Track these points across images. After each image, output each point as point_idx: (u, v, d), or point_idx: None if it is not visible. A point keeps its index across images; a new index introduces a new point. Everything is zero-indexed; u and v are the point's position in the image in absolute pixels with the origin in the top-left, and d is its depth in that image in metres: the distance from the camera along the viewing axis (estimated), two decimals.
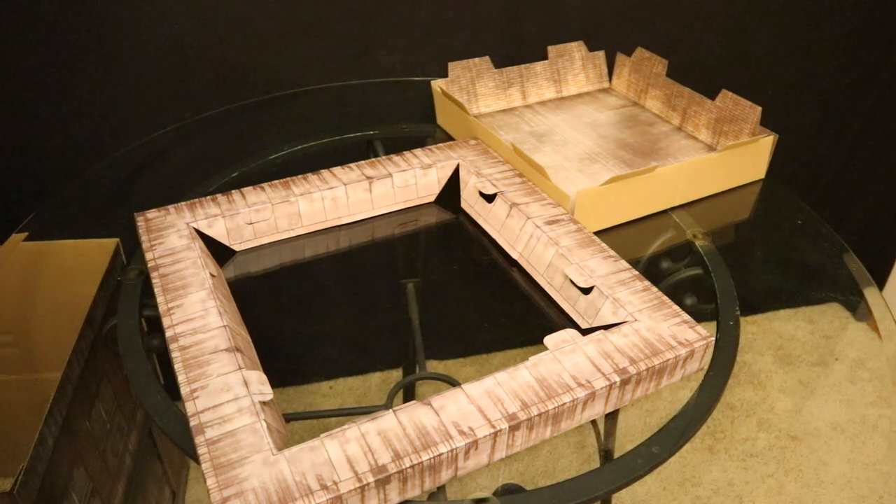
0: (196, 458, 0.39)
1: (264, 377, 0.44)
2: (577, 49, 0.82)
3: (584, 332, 0.48)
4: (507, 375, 0.43)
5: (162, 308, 0.48)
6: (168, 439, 0.44)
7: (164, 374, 0.48)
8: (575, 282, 0.52)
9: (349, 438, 0.39)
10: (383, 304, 0.67)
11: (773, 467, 0.98)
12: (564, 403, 0.41)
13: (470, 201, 0.65)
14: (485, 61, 0.78)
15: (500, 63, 0.78)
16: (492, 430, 0.40)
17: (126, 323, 0.52)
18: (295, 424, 0.47)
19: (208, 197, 0.60)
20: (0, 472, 0.50)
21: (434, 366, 0.54)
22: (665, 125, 0.76)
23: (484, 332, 0.76)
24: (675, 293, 0.52)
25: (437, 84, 0.77)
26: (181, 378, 0.43)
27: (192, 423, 0.40)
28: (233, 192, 0.61)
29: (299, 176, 0.63)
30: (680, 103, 0.75)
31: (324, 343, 0.69)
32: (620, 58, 0.82)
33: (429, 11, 0.96)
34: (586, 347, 0.45)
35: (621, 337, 0.46)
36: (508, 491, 0.41)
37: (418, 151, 0.67)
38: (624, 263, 0.53)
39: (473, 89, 0.78)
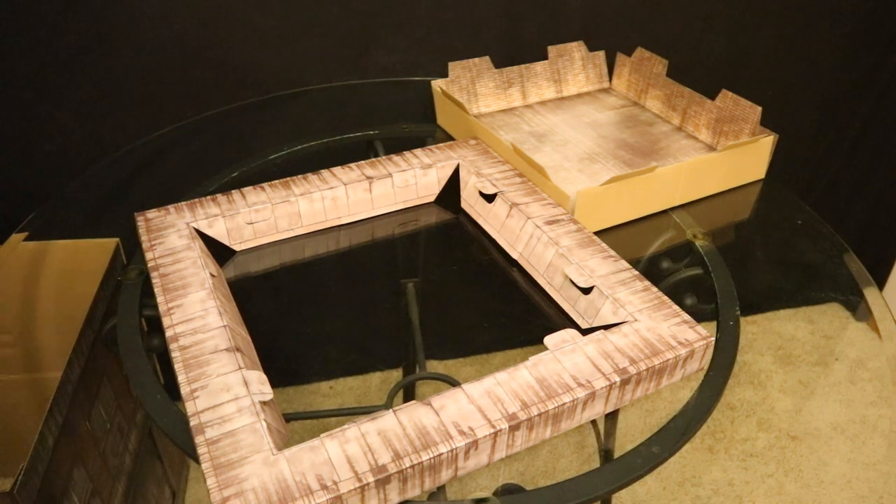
0: (196, 458, 0.39)
1: (264, 377, 0.44)
2: (577, 49, 0.82)
3: (584, 332, 0.48)
4: (507, 375, 0.43)
5: (162, 308, 0.48)
6: (168, 439, 0.44)
7: (164, 374, 0.48)
8: (575, 282, 0.52)
9: (349, 438, 0.39)
10: (383, 304, 0.67)
11: (773, 467, 0.98)
12: (564, 403, 0.41)
13: (470, 201, 0.65)
14: (485, 61, 0.78)
15: (500, 63, 0.78)
16: (492, 430, 0.40)
17: (126, 323, 0.53)
18: (295, 424, 0.47)
19: (208, 197, 0.60)
20: (0, 472, 0.50)
21: (434, 366, 0.54)
22: (665, 125, 0.76)
23: (484, 332, 0.76)
24: (675, 293, 0.52)
25: (437, 84, 0.77)
26: (181, 378, 0.43)
27: (192, 422, 0.40)
28: (233, 192, 0.61)
29: (299, 176, 0.63)
30: (680, 103, 0.75)
31: (324, 343, 0.69)
32: (620, 58, 0.82)
33: (429, 11, 0.96)
34: (586, 347, 0.45)
35: (621, 337, 0.46)
36: (508, 491, 0.41)
37: (418, 151, 0.67)
38: (624, 263, 0.53)
39: (473, 89, 0.78)
